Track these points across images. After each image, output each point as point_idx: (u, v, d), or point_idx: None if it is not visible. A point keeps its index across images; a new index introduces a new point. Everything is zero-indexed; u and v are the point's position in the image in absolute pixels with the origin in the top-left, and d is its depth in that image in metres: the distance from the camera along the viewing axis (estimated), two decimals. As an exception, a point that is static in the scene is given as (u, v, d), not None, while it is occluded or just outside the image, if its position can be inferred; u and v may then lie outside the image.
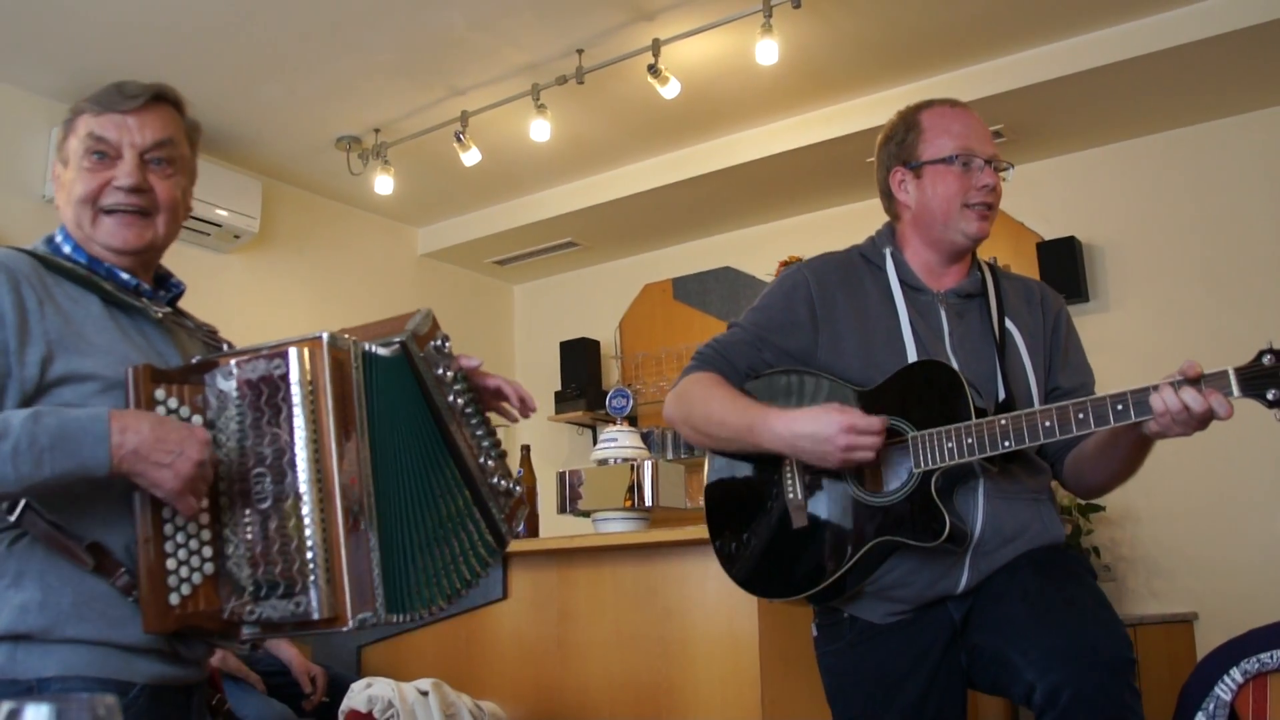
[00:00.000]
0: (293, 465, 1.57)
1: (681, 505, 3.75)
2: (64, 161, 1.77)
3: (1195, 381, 1.81)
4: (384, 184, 5.41)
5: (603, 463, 3.78)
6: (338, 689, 3.51)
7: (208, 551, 1.60)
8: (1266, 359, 1.79)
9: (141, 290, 1.77)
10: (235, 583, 1.59)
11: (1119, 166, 5.30)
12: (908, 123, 2.24)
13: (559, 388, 6.47)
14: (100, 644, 1.57)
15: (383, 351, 1.71)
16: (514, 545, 3.67)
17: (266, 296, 5.58)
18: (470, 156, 5.12)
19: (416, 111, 5.12)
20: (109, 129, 1.74)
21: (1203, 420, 1.82)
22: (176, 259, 1.91)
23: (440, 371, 1.81)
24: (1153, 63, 4.53)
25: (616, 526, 3.65)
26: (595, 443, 4.46)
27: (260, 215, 5.39)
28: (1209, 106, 4.98)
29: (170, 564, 1.56)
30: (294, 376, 1.59)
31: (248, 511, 1.59)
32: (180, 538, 1.58)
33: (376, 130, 5.29)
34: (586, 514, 3.76)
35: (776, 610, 3.13)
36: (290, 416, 1.58)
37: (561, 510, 3.79)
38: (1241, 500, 4.74)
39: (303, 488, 1.57)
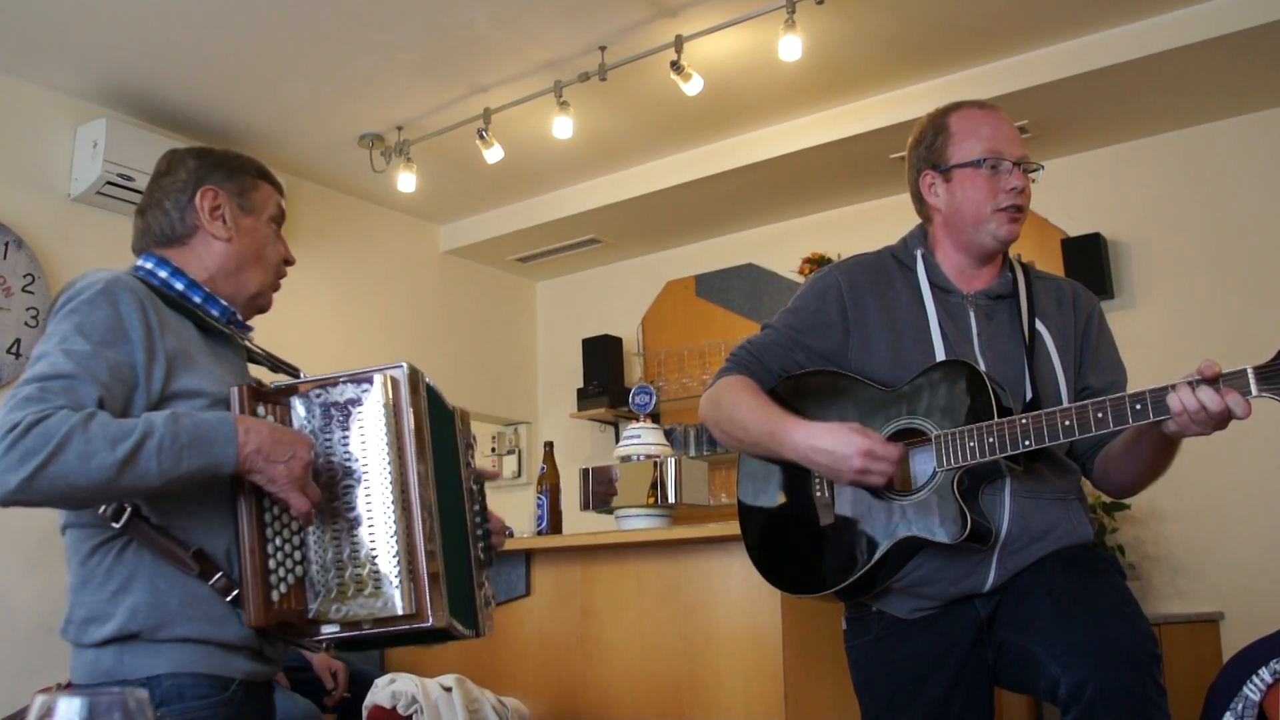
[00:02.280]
0: (380, 480, 1.77)
1: (705, 502, 3.75)
2: (245, 210, 1.98)
3: (1213, 381, 1.80)
4: (406, 181, 5.42)
5: (626, 459, 3.78)
6: (362, 684, 3.52)
7: (298, 555, 1.77)
8: None
9: (234, 322, 1.98)
10: (319, 584, 1.76)
11: (1144, 163, 5.26)
12: (936, 126, 2.25)
13: (581, 385, 6.47)
14: (204, 642, 1.72)
15: (435, 384, 1.93)
16: (537, 542, 3.68)
17: (289, 293, 5.44)
18: (493, 154, 5.13)
19: (439, 109, 5.14)
20: (281, 208, 2.05)
21: (1221, 420, 1.81)
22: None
23: (468, 447, 2.04)
24: (1179, 58, 4.49)
25: (639, 523, 3.65)
26: (618, 440, 4.46)
27: (284, 213, 5.40)
28: (1236, 102, 4.93)
29: (271, 564, 1.73)
30: (379, 401, 1.79)
31: (335, 520, 1.77)
32: (279, 540, 1.74)
33: (399, 128, 5.31)
34: (610, 510, 3.77)
35: (800, 607, 3.12)
36: (376, 436, 1.78)
37: (585, 507, 3.80)
38: (1268, 498, 4.69)
39: (390, 499, 1.76)
